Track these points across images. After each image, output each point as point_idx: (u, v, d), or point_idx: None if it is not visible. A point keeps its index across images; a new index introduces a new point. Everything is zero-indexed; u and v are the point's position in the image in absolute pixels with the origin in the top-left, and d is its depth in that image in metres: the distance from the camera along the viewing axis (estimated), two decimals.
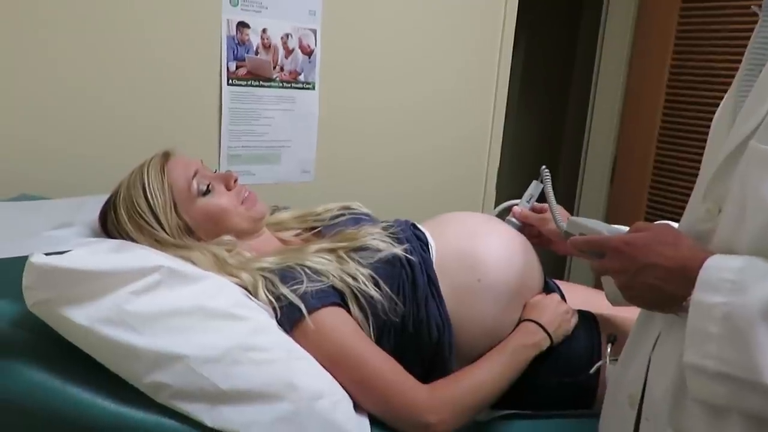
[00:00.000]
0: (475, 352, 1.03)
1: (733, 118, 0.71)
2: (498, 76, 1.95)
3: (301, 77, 1.61)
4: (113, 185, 1.06)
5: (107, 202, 1.05)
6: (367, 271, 0.99)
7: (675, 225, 0.80)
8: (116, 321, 0.81)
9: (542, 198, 1.17)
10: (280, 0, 1.53)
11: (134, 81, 1.40)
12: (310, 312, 0.93)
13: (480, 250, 1.07)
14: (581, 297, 1.22)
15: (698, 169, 0.79)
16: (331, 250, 1.04)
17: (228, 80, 1.50)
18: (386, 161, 1.80)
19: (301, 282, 0.95)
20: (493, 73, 1.94)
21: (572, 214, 1.07)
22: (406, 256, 1.03)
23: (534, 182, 1.21)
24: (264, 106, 1.57)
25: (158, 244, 0.99)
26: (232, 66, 1.50)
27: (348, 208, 1.23)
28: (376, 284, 0.99)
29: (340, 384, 0.92)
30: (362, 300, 0.97)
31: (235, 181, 1.09)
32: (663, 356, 0.75)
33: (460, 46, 1.86)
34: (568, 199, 2.51)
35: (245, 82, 1.53)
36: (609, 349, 0.96)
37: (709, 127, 0.79)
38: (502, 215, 1.23)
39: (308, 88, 1.63)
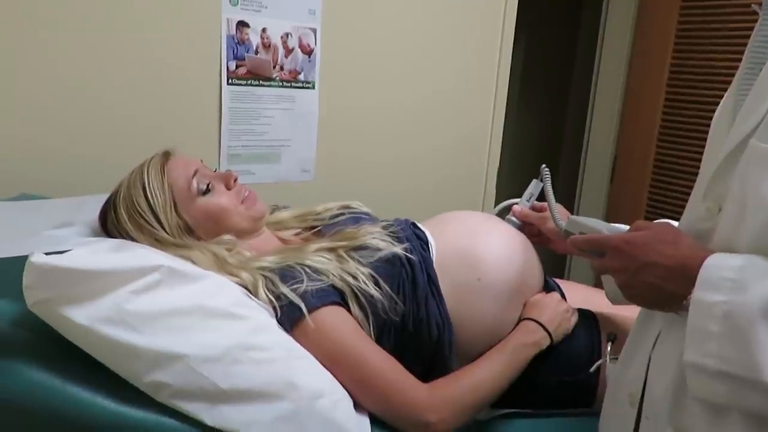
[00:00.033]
0: (475, 351, 1.03)
1: (733, 117, 0.71)
2: (498, 76, 1.95)
3: (301, 76, 1.61)
4: (113, 185, 1.06)
5: (107, 202, 1.05)
6: (367, 270, 0.99)
7: (675, 224, 0.80)
8: (116, 320, 0.81)
9: (542, 197, 1.17)
10: None
11: (134, 81, 1.40)
12: (310, 311, 0.93)
13: (480, 248, 1.07)
14: (581, 296, 1.22)
15: (698, 168, 0.79)
16: (331, 249, 1.04)
17: (228, 80, 1.50)
18: (386, 160, 1.80)
19: (301, 281, 0.95)
20: (492, 72, 1.94)
21: (572, 214, 1.07)
22: (406, 255, 1.03)
23: (534, 181, 1.21)
24: (264, 105, 1.57)
25: (158, 243, 0.99)
26: (232, 65, 1.50)
27: (348, 207, 1.22)
28: (376, 283, 0.99)
29: (341, 383, 0.92)
30: (362, 299, 0.98)
31: (235, 180, 1.09)
32: (663, 355, 0.75)
33: (460, 46, 1.86)
34: (568, 198, 2.52)
35: (245, 82, 1.53)
36: (609, 348, 0.96)
37: (709, 126, 0.79)
38: (502, 214, 1.23)
39: (308, 88, 1.63)
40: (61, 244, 0.89)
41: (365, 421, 0.91)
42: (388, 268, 1.01)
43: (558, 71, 3.09)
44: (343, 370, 0.92)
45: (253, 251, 1.06)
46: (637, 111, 2.29)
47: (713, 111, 0.79)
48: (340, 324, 0.95)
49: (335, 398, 0.88)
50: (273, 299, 0.94)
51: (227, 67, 1.49)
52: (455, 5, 1.82)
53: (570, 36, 3.01)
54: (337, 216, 1.19)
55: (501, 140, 2.02)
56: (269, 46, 1.54)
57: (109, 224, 1.03)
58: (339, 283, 0.97)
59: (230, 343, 0.85)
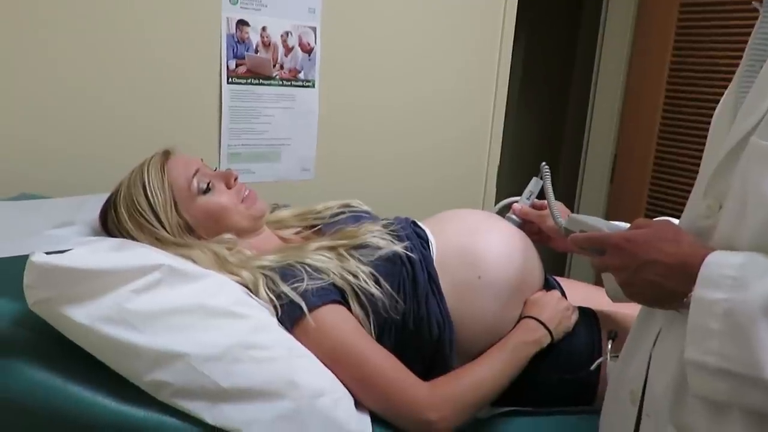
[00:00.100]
0: (476, 349, 1.03)
1: (733, 115, 0.71)
2: (498, 75, 1.95)
3: (301, 75, 1.61)
4: (113, 185, 1.06)
5: (108, 201, 1.05)
6: (367, 269, 0.99)
7: (675, 222, 0.80)
8: (117, 319, 0.81)
9: (542, 195, 1.17)
10: None
11: (134, 80, 1.40)
12: (310, 310, 0.93)
13: (480, 247, 1.07)
14: (581, 294, 1.23)
15: (698, 166, 0.79)
16: (332, 248, 1.04)
17: (228, 78, 1.50)
18: (386, 159, 1.80)
19: (302, 280, 0.95)
20: (492, 71, 1.94)
21: (573, 212, 1.07)
22: (406, 254, 1.03)
23: (534, 179, 1.21)
24: (264, 104, 1.57)
25: (159, 242, 0.99)
26: (232, 64, 1.50)
27: (348, 205, 1.22)
28: (377, 282, 0.99)
29: (341, 382, 0.92)
30: (363, 298, 0.98)
31: (236, 179, 1.09)
32: (664, 353, 0.76)
33: (460, 45, 1.86)
34: (568, 197, 2.51)
35: (245, 81, 1.53)
36: (610, 346, 0.96)
37: (709, 123, 0.79)
38: (502, 212, 1.23)
39: (308, 86, 1.63)
40: (62, 243, 0.89)
41: (366, 419, 0.91)
42: (388, 267, 1.01)
43: (558, 70, 3.08)
44: (343, 368, 0.92)
45: (253, 250, 1.06)
46: (637, 110, 2.29)
47: (713, 109, 0.79)
48: (340, 322, 0.95)
49: (336, 397, 0.89)
50: (273, 298, 0.95)
51: (227, 66, 1.49)
52: (455, 4, 1.82)
53: (570, 35, 3.01)
54: (337, 215, 1.19)
55: (501, 139, 2.02)
56: (269, 44, 1.54)
57: (109, 223, 1.03)
58: (339, 282, 0.97)
59: (231, 342, 0.85)
